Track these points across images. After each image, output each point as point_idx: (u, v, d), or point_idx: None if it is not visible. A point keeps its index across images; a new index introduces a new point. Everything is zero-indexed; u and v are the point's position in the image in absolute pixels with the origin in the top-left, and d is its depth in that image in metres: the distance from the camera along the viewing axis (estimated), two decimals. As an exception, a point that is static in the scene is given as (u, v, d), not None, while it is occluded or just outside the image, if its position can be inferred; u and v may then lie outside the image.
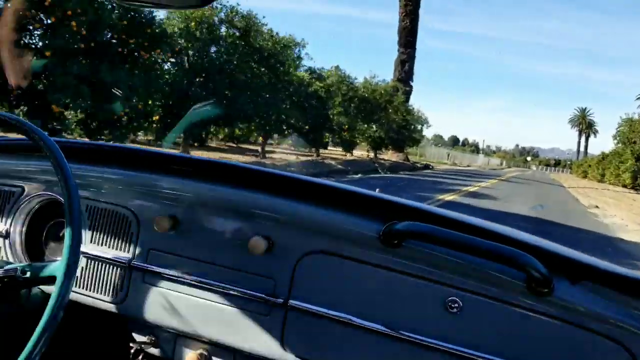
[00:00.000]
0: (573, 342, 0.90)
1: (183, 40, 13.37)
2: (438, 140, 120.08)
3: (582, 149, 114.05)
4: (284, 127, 19.65)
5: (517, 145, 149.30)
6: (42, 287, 1.24)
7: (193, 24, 13.44)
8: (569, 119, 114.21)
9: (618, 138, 42.58)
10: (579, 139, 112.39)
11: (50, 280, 0.90)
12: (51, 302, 0.82)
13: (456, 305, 0.97)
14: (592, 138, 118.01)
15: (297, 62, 18.85)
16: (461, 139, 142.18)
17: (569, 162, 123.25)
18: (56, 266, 0.89)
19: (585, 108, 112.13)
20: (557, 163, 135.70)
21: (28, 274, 0.96)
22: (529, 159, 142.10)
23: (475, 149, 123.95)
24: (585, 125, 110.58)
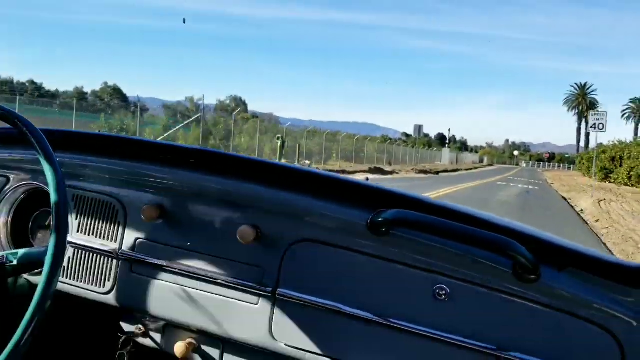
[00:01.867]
0: (560, 328, 0.91)
1: None
2: (423, 139, 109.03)
3: (579, 143, 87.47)
4: None
5: (507, 141, 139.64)
6: (29, 277, 1.26)
7: None
8: (564, 100, 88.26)
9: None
10: (579, 124, 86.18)
11: (38, 266, 0.91)
12: (38, 291, 0.81)
13: (444, 292, 0.97)
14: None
15: None
16: (449, 137, 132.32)
17: (566, 156, 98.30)
18: (44, 253, 0.88)
19: (586, 84, 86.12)
20: (552, 157, 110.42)
21: (15, 262, 0.96)
22: (516, 153, 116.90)
23: (462, 146, 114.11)
24: (586, 105, 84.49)
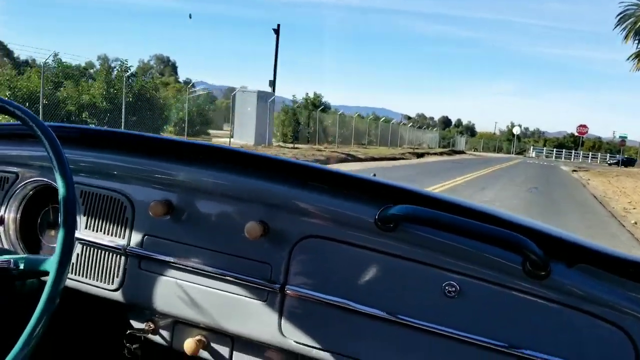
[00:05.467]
0: (570, 325, 0.90)
1: None
2: (421, 121, 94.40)
3: None
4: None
5: (520, 126, 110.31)
6: None
7: None
8: (618, 17, 40.77)
9: None
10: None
11: (44, 274, 0.91)
12: (47, 288, 0.82)
13: (453, 289, 0.95)
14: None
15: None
16: (454, 121, 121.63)
17: (619, 139, 51.67)
18: (50, 261, 0.88)
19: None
20: (577, 142, 63.57)
21: (22, 266, 0.94)
22: (516, 130, 69.60)
23: (465, 129, 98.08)
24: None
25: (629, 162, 55.04)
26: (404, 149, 34.98)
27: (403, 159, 25.03)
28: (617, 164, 54.52)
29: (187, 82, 35.43)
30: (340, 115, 31.65)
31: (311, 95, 42.01)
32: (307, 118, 28.72)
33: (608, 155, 60.71)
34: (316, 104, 39.79)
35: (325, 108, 40.69)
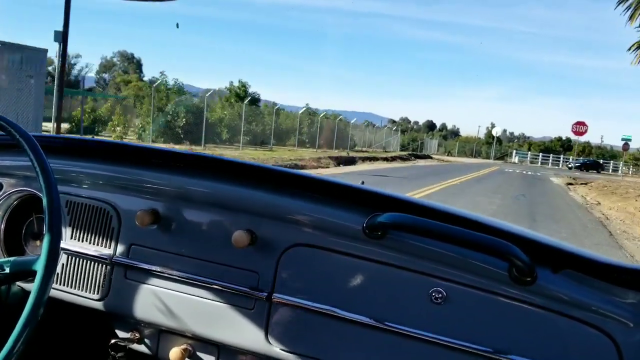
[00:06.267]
0: (556, 330, 0.91)
1: None
2: (405, 125, 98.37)
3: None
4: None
5: (505, 131, 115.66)
6: (22, 284, 1.25)
7: None
8: None
9: None
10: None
11: (31, 275, 0.90)
12: (31, 299, 0.81)
13: (440, 295, 0.96)
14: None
15: None
16: (438, 125, 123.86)
17: (622, 142, 42.29)
18: (36, 261, 0.88)
19: None
20: (567, 147, 55.30)
21: (7, 270, 0.93)
22: (496, 132, 60.63)
23: (449, 133, 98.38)
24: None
25: (593, 166, 47.19)
26: (341, 152, 26.05)
27: (309, 167, 16.03)
28: (579, 167, 46.46)
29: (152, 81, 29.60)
30: (232, 106, 22.61)
31: (236, 83, 33.20)
32: (175, 107, 19.54)
33: (571, 157, 52.54)
34: (240, 95, 30.82)
35: (254, 100, 31.62)
